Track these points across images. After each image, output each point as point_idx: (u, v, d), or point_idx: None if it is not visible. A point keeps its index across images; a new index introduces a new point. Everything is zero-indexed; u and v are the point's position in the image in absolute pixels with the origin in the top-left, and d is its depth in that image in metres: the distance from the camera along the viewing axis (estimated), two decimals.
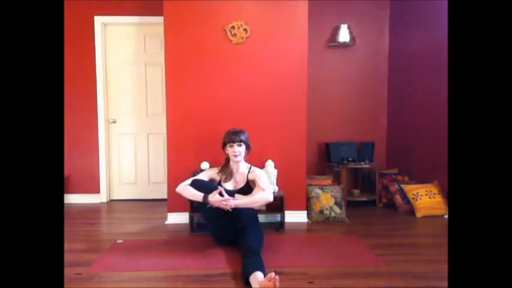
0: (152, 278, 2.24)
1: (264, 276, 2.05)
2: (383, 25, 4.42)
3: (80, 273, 2.29)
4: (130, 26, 4.23)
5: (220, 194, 2.59)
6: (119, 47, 4.26)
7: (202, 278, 2.24)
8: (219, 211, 2.59)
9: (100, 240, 3.00)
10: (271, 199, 2.72)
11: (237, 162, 2.83)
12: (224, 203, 2.57)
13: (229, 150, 2.81)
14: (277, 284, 1.95)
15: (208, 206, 2.60)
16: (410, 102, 4.11)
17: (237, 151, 2.79)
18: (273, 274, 1.98)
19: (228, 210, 2.57)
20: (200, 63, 3.32)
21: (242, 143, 2.81)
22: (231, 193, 2.70)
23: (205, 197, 2.61)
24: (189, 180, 2.78)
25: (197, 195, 2.66)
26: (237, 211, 2.60)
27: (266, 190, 2.72)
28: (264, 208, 3.18)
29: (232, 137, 2.80)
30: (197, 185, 2.73)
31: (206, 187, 2.70)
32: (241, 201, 2.65)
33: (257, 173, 2.84)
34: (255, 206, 2.73)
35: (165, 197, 3.45)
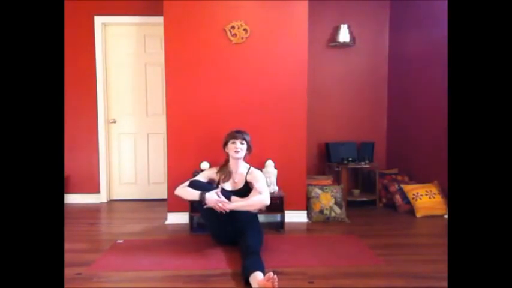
0: (152, 278, 2.24)
1: (264, 276, 2.05)
2: (383, 25, 4.42)
3: (80, 273, 2.29)
4: (130, 26, 4.23)
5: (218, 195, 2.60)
6: (119, 47, 4.26)
7: (202, 278, 2.24)
8: (217, 212, 2.59)
9: (100, 240, 3.00)
10: (268, 202, 2.71)
11: (237, 159, 2.82)
12: (220, 204, 2.57)
13: (231, 146, 2.81)
14: (276, 283, 1.95)
15: (203, 205, 2.60)
16: (410, 102, 4.11)
17: (239, 147, 2.79)
18: (271, 274, 1.98)
19: (223, 212, 2.57)
20: (200, 63, 3.32)
21: (244, 141, 2.82)
22: (228, 194, 2.70)
23: (201, 194, 2.61)
24: (187, 182, 2.78)
25: (194, 194, 2.66)
26: (235, 212, 2.60)
27: (263, 193, 2.70)
28: (264, 208, 3.18)
29: (236, 134, 2.83)
30: (195, 185, 2.73)
31: (204, 187, 2.70)
32: (237, 204, 2.65)
33: (255, 175, 2.83)
34: (251, 209, 2.71)
35: (165, 197, 3.45)
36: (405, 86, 4.19)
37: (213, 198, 2.58)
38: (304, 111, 3.38)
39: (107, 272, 2.33)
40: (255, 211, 2.80)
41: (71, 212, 3.83)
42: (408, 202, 3.70)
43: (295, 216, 3.41)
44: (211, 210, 2.59)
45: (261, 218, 3.19)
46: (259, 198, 2.67)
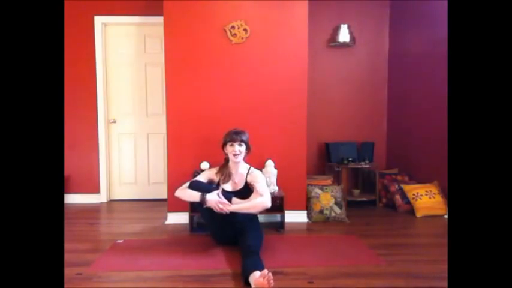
0: (152, 278, 2.24)
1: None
2: (383, 25, 4.42)
3: (80, 273, 2.29)
4: (130, 26, 4.23)
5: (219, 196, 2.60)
6: (119, 47, 4.26)
7: (202, 278, 2.24)
8: (216, 212, 2.58)
9: (100, 240, 3.00)
10: (269, 205, 2.66)
11: (237, 162, 2.82)
12: (221, 206, 2.56)
13: (230, 149, 2.79)
14: (271, 281, 1.94)
15: (204, 206, 2.59)
16: (410, 102, 4.11)
17: (238, 150, 2.77)
18: (266, 271, 1.97)
19: (225, 213, 2.56)
20: (200, 63, 3.32)
21: (243, 143, 2.79)
22: (229, 195, 2.69)
23: (202, 195, 2.60)
24: (187, 184, 2.77)
25: (195, 195, 2.65)
26: (235, 214, 2.59)
27: (264, 195, 2.67)
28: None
29: (234, 136, 2.78)
30: (195, 186, 2.71)
31: (204, 188, 2.69)
32: (238, 206, 2.63)
33: (256, 176, 2.80)
34: (251, 211, 2.69)
35: (165, 197, 3.45)
36: (405, 86, 4.19)
37: (213, 199, 2.57)
38: (304, 111, 3.38)
39: (107, 272, 2.33)
40: (256, 212, 2.79)
41: (71, 212, 3.83)
42: (408, 202, 3.70)
43: (295, 216, 3.41)
44: (212, 210, 2.59)
45: (261, 218, 3.19)
46: (261, 201, 2.64)
